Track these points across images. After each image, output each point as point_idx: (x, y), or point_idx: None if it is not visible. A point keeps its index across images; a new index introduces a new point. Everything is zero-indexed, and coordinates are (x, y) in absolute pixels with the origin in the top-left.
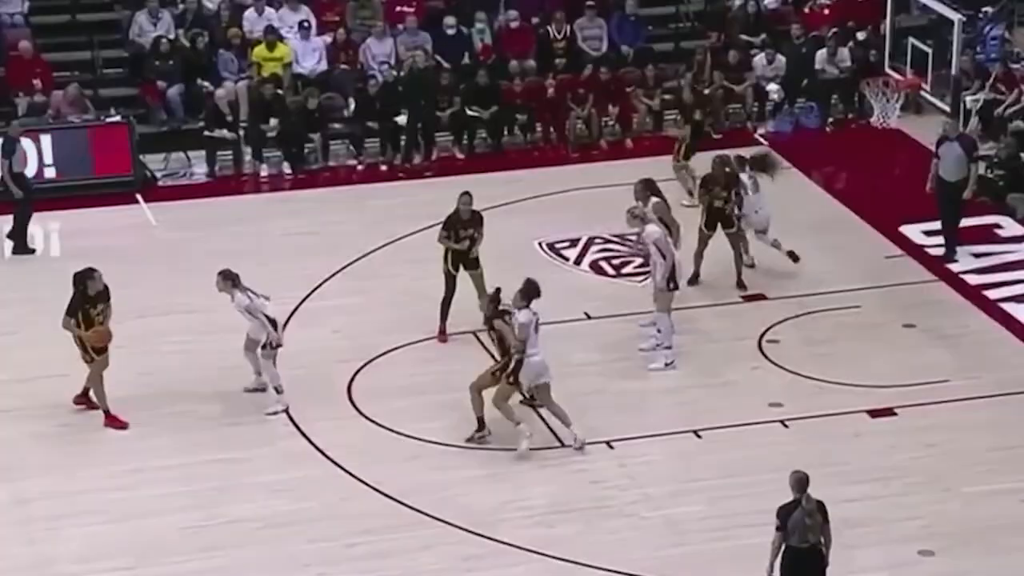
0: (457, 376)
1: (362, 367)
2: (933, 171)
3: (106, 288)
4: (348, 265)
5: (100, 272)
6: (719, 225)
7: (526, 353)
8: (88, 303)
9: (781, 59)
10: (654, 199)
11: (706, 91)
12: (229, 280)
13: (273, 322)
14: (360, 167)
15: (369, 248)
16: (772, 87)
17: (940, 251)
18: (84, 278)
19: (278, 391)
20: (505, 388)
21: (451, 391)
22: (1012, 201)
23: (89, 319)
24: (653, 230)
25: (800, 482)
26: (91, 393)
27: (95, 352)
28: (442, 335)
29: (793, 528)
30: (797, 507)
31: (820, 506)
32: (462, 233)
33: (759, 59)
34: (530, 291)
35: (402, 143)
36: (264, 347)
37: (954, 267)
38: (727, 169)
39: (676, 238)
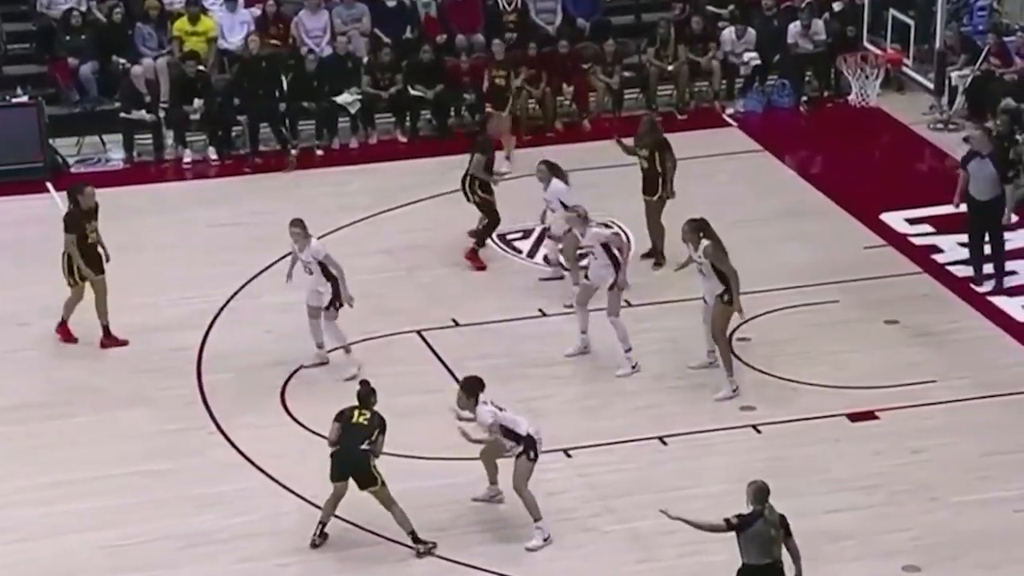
0: (401, 380)
1: (296, 370)
2: (961, 186)
3: (97, 206)
4: (280, 259)
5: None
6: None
7: (507, 448)
8: (84, 218)
9: (751, 32)
10: (705, 242)
11: (670, 67)
12: (303, 228)
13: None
14: (293, 152)
15: None
16: (749, 55)
17: (968, 272)
18: (75, 193)
19: (347, 351)
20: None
21: (396, 394)
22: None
23: (84, 236)
24: (599, 232)
25: (760, 492)
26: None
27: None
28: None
29: (752, 541)
30: (758, 519)
31: (782, 520)
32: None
33: (727, 32)
34: (474, 386)
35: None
36: (329, 308)
37: (940, 258)
38: (655, 132)
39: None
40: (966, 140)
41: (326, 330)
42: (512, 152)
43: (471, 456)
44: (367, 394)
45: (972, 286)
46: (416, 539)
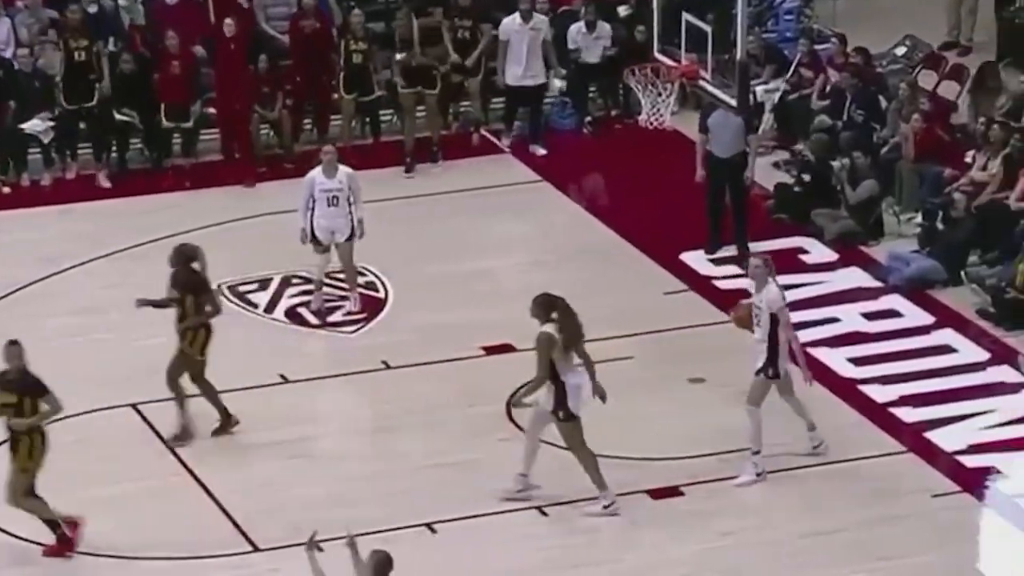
0: (111, 465)
1: None
2: (702, 152)
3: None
4: None
5: None
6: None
7: None
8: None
9: (543, 19)
10: (548, 327)
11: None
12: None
13: None
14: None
15: None
16: (557, 83)
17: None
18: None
19: None
20: None
21: (103, 483)
22: (818, 219)
23: None
24: (776, 295)
25: (381, 565)
26: None
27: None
28: None
29: None
30: None
31: None
32: None
33: (509, 23)
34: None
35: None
36: None
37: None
38: (193, 264)
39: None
40: (776, 165)
41: None
42: None
43: (192, 555)
44: None
45: (704, 254)
46: None
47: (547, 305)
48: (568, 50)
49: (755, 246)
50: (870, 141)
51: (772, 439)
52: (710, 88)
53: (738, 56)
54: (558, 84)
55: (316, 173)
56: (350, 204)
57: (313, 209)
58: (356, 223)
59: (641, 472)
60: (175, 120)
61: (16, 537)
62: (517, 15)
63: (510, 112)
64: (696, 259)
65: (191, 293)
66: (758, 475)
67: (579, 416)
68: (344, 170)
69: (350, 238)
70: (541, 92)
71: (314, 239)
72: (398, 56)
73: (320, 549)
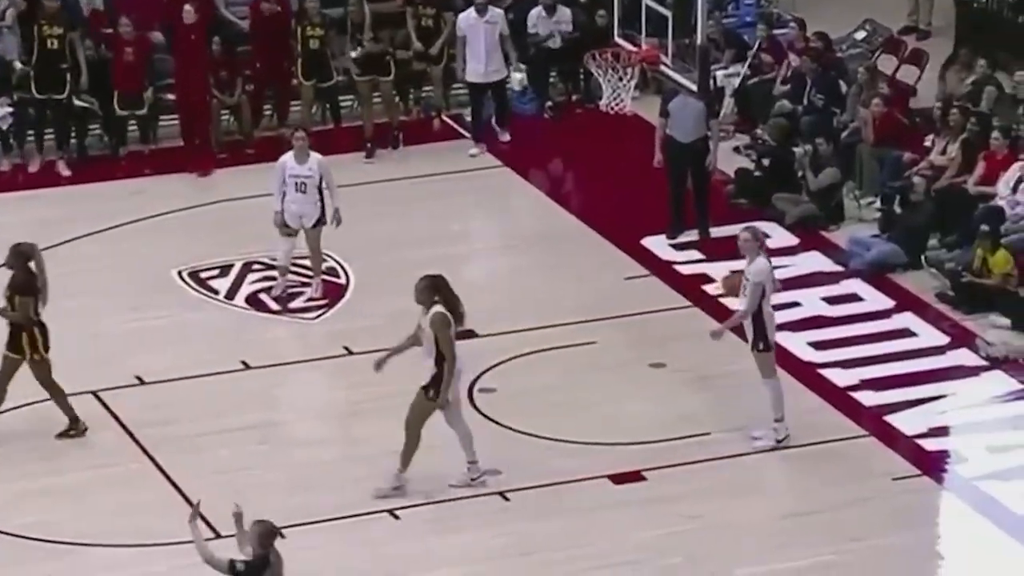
0: (72, 450)
1: None
2: (661, 136)
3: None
4: None
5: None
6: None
7: None
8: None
9: (498, 12)
10: (437, 308)
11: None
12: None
13: None
14: None
15: None
16: (517, 76)
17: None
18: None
19: None
20: None
21: (65, 470)
22: (779, 203)
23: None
24: (762, 267)
25: (264, 535)
26: None
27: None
28: None
29: None
30: (264, 567)
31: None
32: None
33: (465, 17)
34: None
35: None
36: None
37: (711, 289)
38: (30, 263)
39: None
40: (736, 150)
41: None
42: None
43: (153, 542)
44: None
45: (666, 239)
46: None
47: (431, 288)
48: (528, 34)
49: (716, 231)
50: (830, 126)
51: (735, 422)
52: (671, 73)
53: (698, 41)
54: (518, 77)
55: (288, 158)
56: (320, 191)
57: (284, 193)
58: (333, 212)
59: (602, 457)
60: (128, 108)
61: None
62: (472, 9)
63: (476, 114)
64: (657, 244)
65: (19, 294)
66: (778, 441)
67: (449, 402)
68: (315, 157)
69: (318, 224)
70: (503, 83)
71: (283, 223)
72: (352, 54)
73: (282, 536)
